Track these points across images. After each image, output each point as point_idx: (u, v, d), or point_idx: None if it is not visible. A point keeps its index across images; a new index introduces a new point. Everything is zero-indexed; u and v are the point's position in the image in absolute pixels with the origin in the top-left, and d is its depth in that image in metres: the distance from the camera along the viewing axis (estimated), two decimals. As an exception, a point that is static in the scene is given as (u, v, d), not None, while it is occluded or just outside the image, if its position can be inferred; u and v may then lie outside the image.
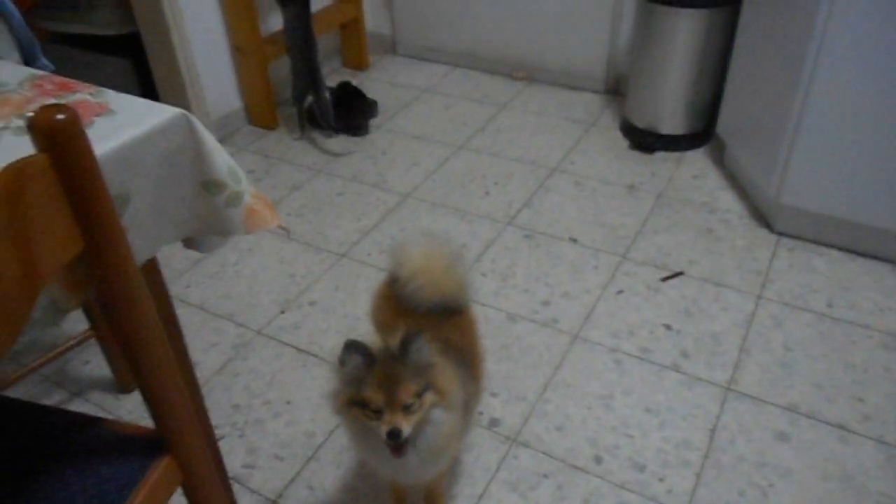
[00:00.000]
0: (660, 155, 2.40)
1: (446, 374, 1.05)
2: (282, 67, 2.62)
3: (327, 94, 2.44)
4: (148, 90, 2.51)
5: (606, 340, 1.70)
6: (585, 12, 2.64)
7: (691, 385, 1.58)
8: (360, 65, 3.05)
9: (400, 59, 3.15)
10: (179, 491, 0.89)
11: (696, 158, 2.37)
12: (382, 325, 1.28)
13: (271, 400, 1.60)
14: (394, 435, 0.98)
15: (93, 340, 1.60)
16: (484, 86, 2.89)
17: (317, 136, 2.59)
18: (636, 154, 2.41)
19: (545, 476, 1.40)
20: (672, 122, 2.37)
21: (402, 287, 1.18)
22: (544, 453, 1.45)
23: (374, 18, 3.12)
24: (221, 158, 0.92)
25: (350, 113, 2.57)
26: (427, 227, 2.12)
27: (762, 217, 2.07)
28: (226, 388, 1.63)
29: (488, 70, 2.99)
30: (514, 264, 1.96)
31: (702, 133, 2.42)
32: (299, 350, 1.72)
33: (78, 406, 1.60)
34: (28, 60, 1.41)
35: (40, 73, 0.99)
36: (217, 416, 1.56)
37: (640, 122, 2.45)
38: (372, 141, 2.57)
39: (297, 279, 1.94)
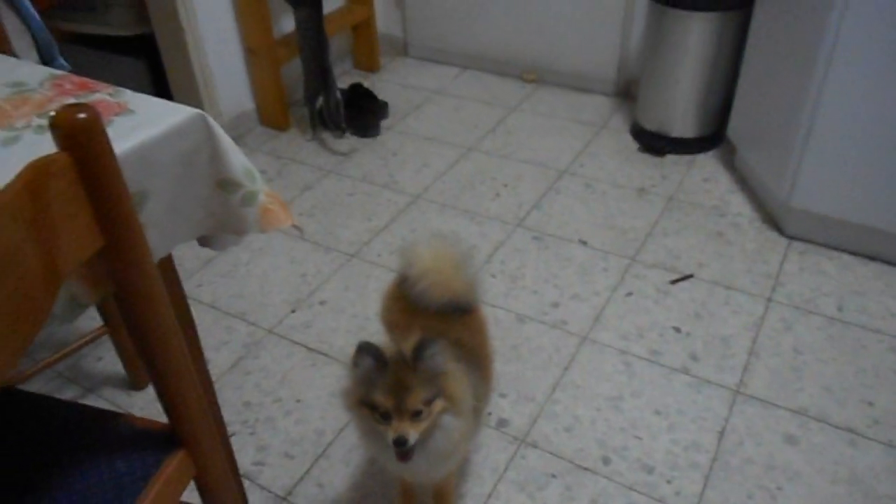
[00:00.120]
0: (670, 158, 2.40)
1: (458, 381, 1.04)
2: (294, 69, 2.64)
3: (339, 96, 2.46)
4: (161, 90, 2.53)
5: (616, 342, 1.71)
6: (596, 15, 2.65)
7: (700, 388, 1.58)
8: (371, 66, 3.07)
9: (411, 60, 3.16)
10: (192, 486, 0.91)
11: (707, 162, 2.37)
12: (392, 325, 1.29)
13: (282, 398, 1.61)
14: (400, 443, 0.98)
15: (106, 337, 1.61)
16: (494, 88, 2.90)
17: (328, 136, 2.61)
18: (646, 157, 2.41)
19: (553, 476, 1.41)
20: (682, 125, 2.37)
21: (413, 286, 1.19)
22: (552, 454, 1.45)
23: (385, 20, 3.14)
24: (237, 158, 0.94)
25: (361, 114, 2.59)
26: (437, 229, 2.13)
27: (773, 220, 2.06)
28: (237, 385, 1.65)
29: (499, 72, 2.99)
30: (524, 266, 1.96)
31: (712, 136, 2.42)
32: (310, 349, 1.74)
33: (90, 402, 1.62)
34: (46, 60, 1.43)
35: (59, 72, 1.01)
36: (228, 413, 1.57)
37: (650, 125, 2.45)
38: (383, 142, 2.58)
39: (307, 279, 1.96)
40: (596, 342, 1.71)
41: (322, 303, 1.87)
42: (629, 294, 1.85)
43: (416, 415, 0.99)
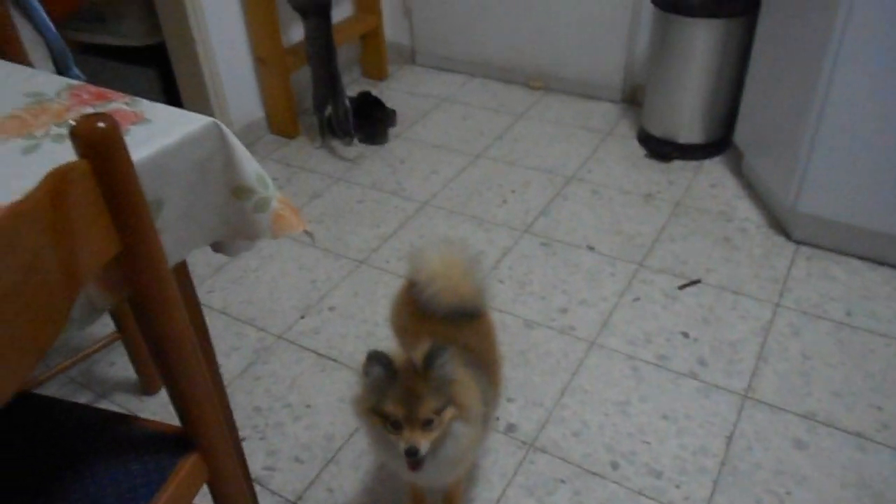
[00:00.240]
0: (677, 164, 2.41)
1: (468, 389, 1.04)
2: (303, 77, 2.67)
3: (347, 104, 2.48)
4: (173, 99, 2.56)
5: (623, 347, 1.71)
6: (603, 22, 2.66)
7: (708, 392, 1.58)
8: (379, 75, 3.09)
9: (419, 68, 3.18)
10: (203, 491, 0.92)
11: (714, 167, 2.38)
12: (401, 331, 1.30)
13: (292, 403, 1.62)
14: (411, 453, 0.98)
15: (118, 343, 1.63)
16: (501, 95, 2.92)
17: (337, 144, 2.63)
18: (653, 163, 2.42)
19: (562, 481, 1.41)
20: (689, 131, 2.38)
21: (421, 291, 1.20)
22: (561, 459, 1.46)
23: (393, 29, 3.17)
24: (250, 165, 0.95)
25: (369, 122, 2.61)
26: (445, 235, 2.14)
27: (780, 226, 2.07)
28: (247, 391, 1.66)
29: (506, 80, 3.01)
30: (532, 272, 1.97)
31: (719, 142, 2.42)
32: (319, 355, 1.75)
33: (103, 407, 1.63)
34: (61, 70, 1.45)
35: (76, 82, 1.03)
36: (238, 418, 1.58)
37: (657, 132, 2.46)
38: (391, 149, 2.60)
39: (317, 285, 1.97)
40: (604, 347, 1.72)
41: (331, 309, 1.89)
42: (637, 299, 1.85)
43: (426, 424, 0.99)
